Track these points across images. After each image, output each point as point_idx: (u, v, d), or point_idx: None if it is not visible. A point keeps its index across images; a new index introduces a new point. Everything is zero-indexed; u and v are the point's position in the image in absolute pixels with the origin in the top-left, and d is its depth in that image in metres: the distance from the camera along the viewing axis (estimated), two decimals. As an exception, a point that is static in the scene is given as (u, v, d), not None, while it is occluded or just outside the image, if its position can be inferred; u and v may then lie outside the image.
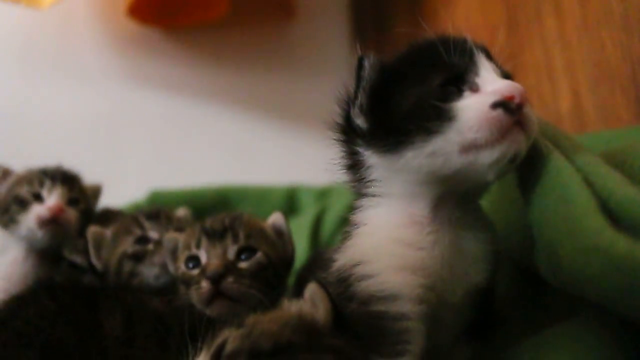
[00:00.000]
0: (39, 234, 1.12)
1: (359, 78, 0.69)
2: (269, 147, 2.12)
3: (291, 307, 0.66)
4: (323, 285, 0.65)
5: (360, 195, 0.73)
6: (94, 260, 1.10)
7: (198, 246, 0.91)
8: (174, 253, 0.98)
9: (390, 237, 0.67)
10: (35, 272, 1.16)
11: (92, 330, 0.84)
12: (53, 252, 1.17)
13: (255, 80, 2.15)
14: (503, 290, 0.80)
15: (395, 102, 0.66)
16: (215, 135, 2.10)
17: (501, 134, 0.60)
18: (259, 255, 0.90)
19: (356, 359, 0.59)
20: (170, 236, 1.00)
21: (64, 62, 2.02)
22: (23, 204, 1.14)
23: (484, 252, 0.69)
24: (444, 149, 0.62)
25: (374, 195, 0.71)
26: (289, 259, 0.98)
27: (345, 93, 0.72)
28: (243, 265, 0.89)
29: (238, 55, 2.15)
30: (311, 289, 0.65)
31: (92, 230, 1.12)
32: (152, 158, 2.03)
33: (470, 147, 0.61)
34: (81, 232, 1.15)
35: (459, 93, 0.64)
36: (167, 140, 2.06)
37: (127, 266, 1.06)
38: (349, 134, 0.72)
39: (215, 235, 0.91)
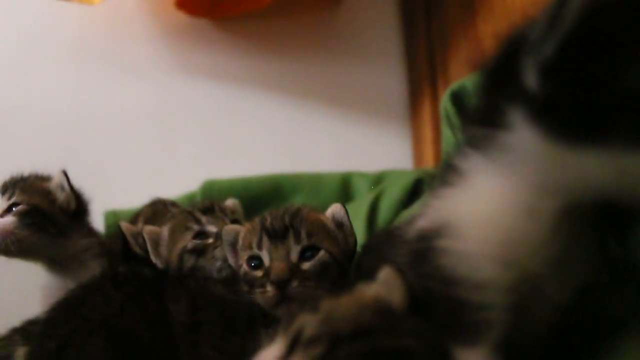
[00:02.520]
0: None
1: (554, 15, 0.44)
2: (320, 134, 2.10)
3: (366, 290, 0.64)
4: (398, 268, 0.63)
5: (475, 146, 0.58)
6: (153, 258, 1.10)
7: (260, 247, 0.90)
8: (233, 246, 0.97)
9: (496, 217, 0.56)
10: (63, 282, 1.15)
11: (159, 316, 0.86)
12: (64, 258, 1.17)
13: (304, 67, 2.14)
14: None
15: (603, 72, 0.42)
16: (265, 124, 2.10)
17: None
18: (322, 253, 0.89)
19: (435, 343, 0.58)
20: (229, 228, 0.99)
21: (115, 56, 2.05)
22: None
23: (597, 257, 0.60)
24: None
25: (495, 161, 0.55)
26: (351, 250, 0.96)
27: (522, 30, 0.49)
28: (306, 265, 0.87)
29: (286, 42, 2.13)
30: (385, 272, 0.63)
31: (148, 229, 1.12)
32: (204, 148, 2.04)
33: None
34: (50, 229, 1.14)
35: None
36: (219, 130, 2.07)
37: (189, 261, 1.06)
38: (507, 87, 0.50)
39: (277, 236, 0.89)
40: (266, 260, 0.88)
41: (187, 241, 1.07)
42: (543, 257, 0.56)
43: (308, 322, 0.58)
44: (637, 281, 0.61)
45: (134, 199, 1.43)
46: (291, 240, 0.88)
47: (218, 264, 1.04)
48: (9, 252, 1.12)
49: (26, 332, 1.09)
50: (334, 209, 0.98)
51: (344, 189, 1.71)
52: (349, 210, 0.98)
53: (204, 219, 1.10)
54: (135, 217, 1.33)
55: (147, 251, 1.12)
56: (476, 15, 1.65)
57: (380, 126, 2.14)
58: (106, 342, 0.81)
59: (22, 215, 1.12)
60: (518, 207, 0.55)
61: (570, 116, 0.44)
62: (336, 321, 0.57)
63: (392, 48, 2.19)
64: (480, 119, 0.57)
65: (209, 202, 1.18)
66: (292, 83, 2.13)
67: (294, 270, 0.85)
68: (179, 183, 1.68)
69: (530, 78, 0.46)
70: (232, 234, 0.97)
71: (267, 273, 0.86)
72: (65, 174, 1.20)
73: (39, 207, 1.14)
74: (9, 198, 1.15)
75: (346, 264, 0.94)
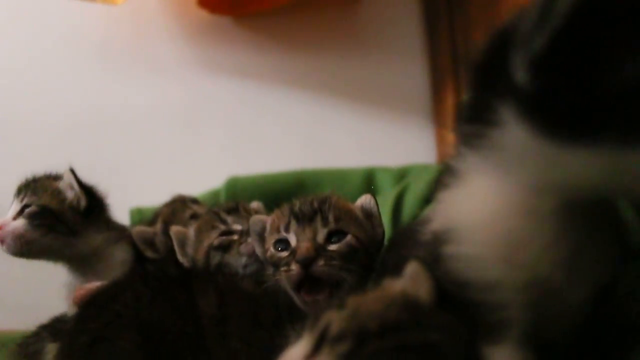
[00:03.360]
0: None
1: (544, 8, 0.42)
2: (343, 130, 2.10)
3: (393, 285, 0.64)
4: (424, 262, 0.62)
5: (470, 145, 0.56)
6: (180, 257, 1.12)
7: (287, 230, 0.90)
8: (261, 235, 0.98)
9: (494, 219, 0.55)
10: (84, 279, 1.15)
11: (188, 309, 0.87)
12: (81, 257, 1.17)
13: (327, 64, 2.13)
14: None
15: (596, 66, 0.40)
16: (288, 120, 2.10)
17: None
18: (348, 237, 0.89)
19: (462, 337, 0.57)
20: (257, 218, 1.00)
21: (139, 55, 2.07)
22: None
23: (612, 253, 0.58)
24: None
25: (489, 160, 0.53)
26: (379, 241, 0.96)
27: (510, 23, 0.47)
28: (333, 247, 0.87)
29: (308, 39, 2.13)
30: (412, 266, 0.63)
31: (175, 229, 1.14)
32: (228, 145, 2.05)
33: None
34: (60, 229, 1.14)
35: None
36: (242, 126, 2.08)
37: (215, 258, 1.08)
38: (494, 83, 0.48)
39: (305, 219, 0.89)
40: (293, 242, 0.89)
41: (213, 239, 1.09)
42: (552, 257, 0.54)
43: (334, 319, 0.57)
44: None
45: (160, 196, 1.44)
46: (318, 223, 0.89)
47: (243, 259, 1.05)
48: (22, 254, 1.13)
49: (54, 329, 1.12)
50: (364, 200, 0.98)
51: (368, 184, 1.71)
52: (375, 206, 0.98)
53: (229, 218, 1.12)
54: (154, 216, 1.34)
55: (164, 251, 1.14)
56: (500, 10, 1.63)
57: (403, 121, 2.13)
58: (137, 336, 0.82)
59: (32, 217, 1.13)
60: (515, 207, 0.54)
61: (560, 113, 0.42)
62: (363, 317, 0.57)
63: (414, 43, 2.18)
64: (472, 116, 0.54)
65: (234, 203, 1.19)
66: (314, 79, 2.13)
67: (319, 250, 0.86)
68: (203, 180, 1.69)
69: (520, 73, 0.44)
70: (259, 224, 0.98)
71: (293, 253, 0.87)
72: (73, 172, 1.20)
73: (48, 207, 1.15)
74: (22, 200, 1.16)
75: (374, 253, 0.94)
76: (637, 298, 0.64)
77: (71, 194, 1.19)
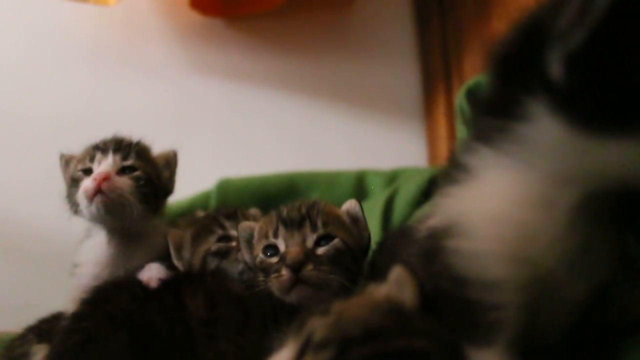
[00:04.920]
0: (92, 208, 1.04)
1: (583, 3, 0.42)
2: (334, 132, 2.10)
3: (377, 291, 0.63)
4: (409, 267, 0.62)
5: (484, 140, 0.56)
6: (175, 261, 1.10)
7: (276, 235, 0.92)
8: (249, 242, 0.99)
9: (514, 215, 0.53)
10: (122, 254, 1.10)
11: (178, 312, 0.88)
12: (135, 233, 1.10)
13: (318, 66, 2.14)
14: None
15: (632, 62, 0.41)
16: (279, 123, 2.10)
17: None
18: (336, 241, 0.90)
19: (448, 342, 0.56)
20: (246, 225, 1.01)
21: (130, 56, 2.06)
22: (76, 183, 1.08)
23: (615, 251, 0.57)
24: None
25: (508, 154, 0.53)
26: (365, 245, 0.97)
27: (539, 16, 0.47)
28: (321, 251, 0.89)
29: (300, 42, 2.14)
30: (397, 271, 0.62)
31: (172, 232, 1.13)
32: (219, 147, 2.05)
33: None
34: (150, 203, 1.09)
35: None
36: (233, 128, 2.08)
37: (212, 263, 1.08)
38: (525, 77, 0.48)
39: (294, 224, 0.91)
40: (282, 247, 0.90)
41: (211, 244, 1.09)
42: (557, 252, 0.54)
43: (318, 325, 0.57)
44: None
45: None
46: (307, 228, 0.90)
47: (240, 266, 1.05)
48: (107, 213, 1.05)
49: (40, 330, 1.11)
50: (349, 205, 0.99)
51: (359, 186, 1.71)
52: (364, 208, 0.99)
53: (227, 223, 1.11)
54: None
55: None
56: (491, 13, 1.64)
57: (395, 124, 2.13)
58: (128, 337, 0.84)
59: (137, 181, 1.07)
60: (532, 200, 0.53)
61: (596, 106, 0.43)
62: (346, 324, 0.56)
63: (405, 46, 2.18)
64: (494, 111, 0.54)
65: (233, 208, 1.19)
66: (306, 82, 2.13)
67: (308, 254, 0.87)
68: (194, 182, 1.68)
69: (556, 68, 0.43)
70: (247, 230, 0.99)
71: (282, 258, 0.88)
72: (176, 155, 1.20)
73: (151, 178, 1.11)
74: (124, 159, 1.09)
75: (360, 257, 0.95)
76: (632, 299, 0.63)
77: (167, 173, 1.17)
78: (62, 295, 1.14)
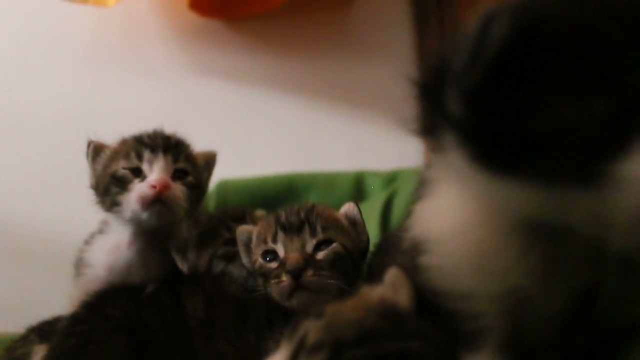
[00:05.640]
0: (144, 215, 0.96)
1: (477, 46, 0.44)
2: (333, 133, 2.10)
3: (371, 293, 0.63)
4: (404, 269, 0.62)
5: (435, 152, 0.56)
6: (179, 264, 1.09)
7: (275, 240, 0.91)
8: (247, 245, 0.98)
9: (464, 228, 0.54)
10: (142, 260, 1.02)
11: (175, 312, 0.89)
12: (162, 236, 1.04)
13: (317, 67, 2.14)
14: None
15: (531, 108, 0.42)
16: (278, 124, 2.11)
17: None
18: (335, 245, 0.90)
19: (442, 344, 0.56)
20: (244, 228, 1.00)
21: (129, 57, 2.06)
22: (123, 183, 0.99)
23: (588, 258, 0.56)
24: (557, 207, 0.43)
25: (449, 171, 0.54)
26: (364, 248, 0.97)
27: (442, 56, 0.50)
28: (320, 255, 0.89)
29: (299, 43, 2.14)
30: (392, 273, 0.62)
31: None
32: (218, 148, 2.04)
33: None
34: (192, 207, 1.02)
35: (624, 140, 0.39)
36: (232, 129, 2.07)
37: (218, 266, 1.07)
38: (435, 111, 0.51)
39: (293, 229, 0.91)
40: (281, 253, 0.90)
41: (218, 247, 1.08)
42: (523, 267, 0.53)
43: (311, 329, 0.57)
44: None
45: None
46: (307, 233, 0.90)
47: (246, 272, 1.03)
48: (162, 221, 0.99)
49: (41, 331, 1.11)
50: (348, 208, 0.99)
51: (358, 187, 1.71)
52: (362, 209, 0.99)
53: (234, 226, 1.08)
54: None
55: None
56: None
57: (393, 125, 2.13)
58: (125, 339, 0.84)
59: (191, 189, 1.01)
60: (481, 218, 0.53)
61: (492, 144, 0.44)
62: (339, 326, 0.55)
63: (404, 47, 2.18)
64: (429, 132, 0.55)
65: (241, 210, 1.18)
66: (304, 83, 2.13)
67: (308, 260, 0.87)
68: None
69: (453, 105, 0.45)
70: (245, 234, 0.99)
71: (282, 264, 0.88)
72: (216, 156, 1.15)
73: (199, 182, 1.05)
74: (175, 160, 1.02)
75: (359, 260, 0.95)
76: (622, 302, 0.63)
77: (206, 174, 1.12)
78: (62, 296, 1.13)
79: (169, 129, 2.00)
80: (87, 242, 1.11)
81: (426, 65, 0.57)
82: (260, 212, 1.24)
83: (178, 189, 0.99)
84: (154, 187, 0.96)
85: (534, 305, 0.55)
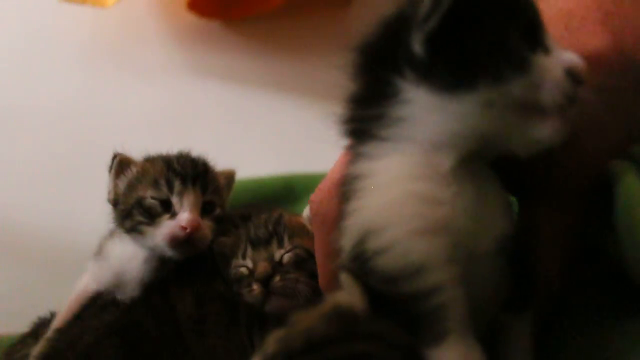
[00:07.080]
0: (169, 252, 0.96)
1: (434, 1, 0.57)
2: (331, 134, 2.09)
3: (331, 299, 0.62)
4: (351, 269, 0.60)
5: (363, 138, 0.64)
6: None
7: (244, 257, 0.97)
8: (224, 256, 1.03)
9: (407, 192, 0.56)
10: (150, 275, 0.99)
11: (166, 311, 0.94)
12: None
13: (316, 68, 2.12)
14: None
15: (470, 36, 0.55)
16: (276, 125, 2.10)
17: (565, 103, 0.56)
18: (298, 250, 0.96)
19: (398, 342, 0.54)
20: (220, 240, 1.05)
21: (127, 58, 2.06)
22: (150, 216, 0.97)
23: (505, 199, 0.64)
24: (505, 99, 0.54)
25: (388, 140, 0.60)
26: None
27: (403, 13, 0.62)
28: (285, 259, 0.95)
29: (298, 44, 2.14)
30: (342, 276, 0.62)
31: None
32: (216, 149, 2.03)
33: (531, 109, 0.55)
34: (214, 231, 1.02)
35: (532, 48, 0.56)
36: (231, 130, 2.08)
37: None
38: (391, 60, 0.60)
39: (261, 243, 0.97)
40: (250, 265, 0.96)
41: None
42: (458, 210, 0.57)
43: (271, 339, 0.56)
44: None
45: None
46: (274, 245, 0.96)
47: None
48: (186, 255, 0.98)
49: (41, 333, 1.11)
50: (308, 210, 1.02)
51: (356, 188, 1.70)
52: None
53: (242, 225, 1.09)
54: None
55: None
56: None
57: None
58: (118, 340, 0.87)
59: (217, 222, 1.01)
60: (418, 172, 0.58)
61: (449, 71, 0.56)
62: (292, 336, 0.55)
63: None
64: (364, 101, 0.66)
65: (247, 210, 1.19)
66: (303, 84, 2.12)
67: (275, 267, 0.93)
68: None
69: (417, 47, 0.57)
70: (221, 246, 1.05)
71: (252, 273, 0.94)
72: (234, 175, 1.14)
73: (222, 216, 1.04)
74: (203, 192, 1.01)
75: None
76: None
77: (226, 194, 1.10)
78: (63, 297, 1.13)
79: (169, 129, 2.01)
80: (104, 242, 1.09)
81: (375, 27, 0.69)
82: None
83: (206, 226, 0.99)
84: (185, 229, 0.95)
85: (472, 255, 0.58)
